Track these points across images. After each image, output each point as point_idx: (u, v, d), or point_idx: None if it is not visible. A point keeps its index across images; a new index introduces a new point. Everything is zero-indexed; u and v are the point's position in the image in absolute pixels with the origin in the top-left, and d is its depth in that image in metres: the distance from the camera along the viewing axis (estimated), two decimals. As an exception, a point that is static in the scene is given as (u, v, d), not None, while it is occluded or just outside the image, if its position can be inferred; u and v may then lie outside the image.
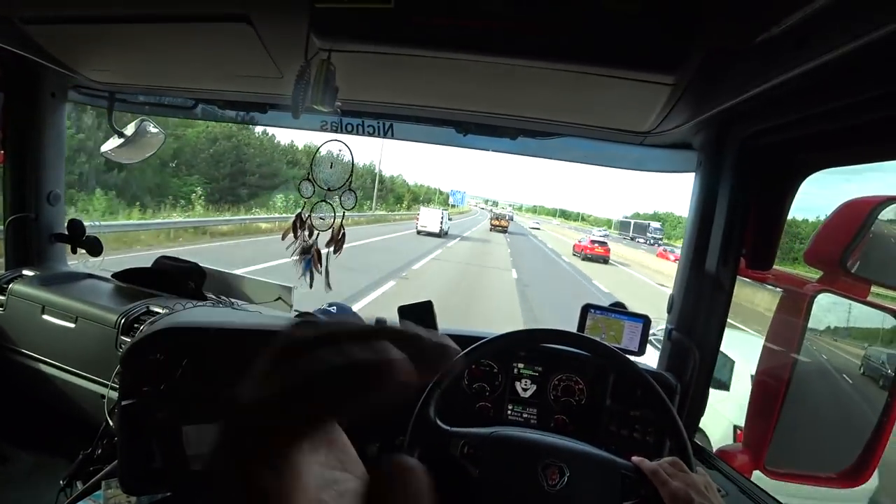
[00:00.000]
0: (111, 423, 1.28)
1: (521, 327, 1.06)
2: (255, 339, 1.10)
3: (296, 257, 1.29)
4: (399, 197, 56.38)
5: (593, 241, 27.94)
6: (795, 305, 1.19)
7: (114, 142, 1.74)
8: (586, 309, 1.29)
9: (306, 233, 1.34)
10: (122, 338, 1.34)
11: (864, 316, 1.24)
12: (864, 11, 0.61)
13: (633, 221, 65.87)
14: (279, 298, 1.60)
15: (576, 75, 0.99)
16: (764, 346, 1.23)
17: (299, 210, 1.34)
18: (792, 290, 1.20)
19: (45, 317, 1.47)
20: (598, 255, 25.97)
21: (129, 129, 1.74)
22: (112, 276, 1.65)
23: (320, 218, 1.32)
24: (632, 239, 56.53)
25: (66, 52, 1.42)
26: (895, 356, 1.29)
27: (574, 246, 29.04)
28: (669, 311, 1.28)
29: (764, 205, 1.14)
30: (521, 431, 0.90)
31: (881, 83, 0.73)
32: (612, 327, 1.28)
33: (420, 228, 25.01)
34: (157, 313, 1.37)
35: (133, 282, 1.60)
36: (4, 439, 1.68)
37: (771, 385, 1.20)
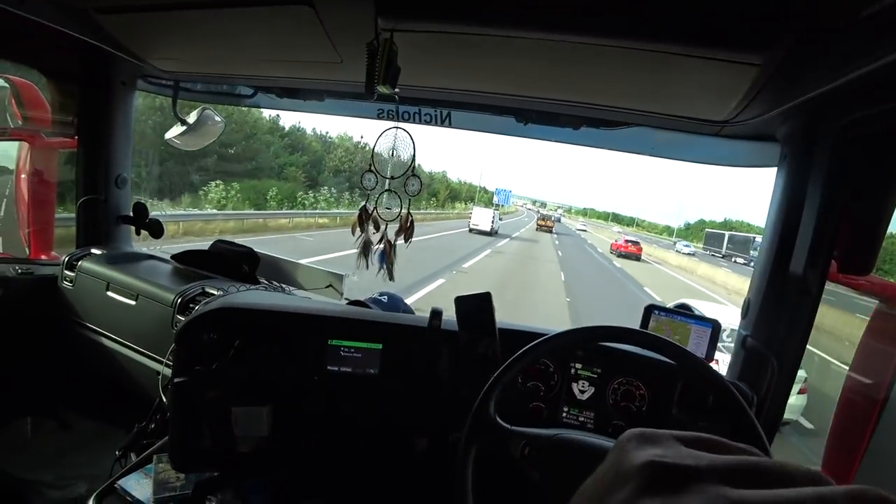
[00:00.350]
0: (164, 399, 1.32)
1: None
2: (306, 323, 1.09)
3: (356, 250, 1.27)
4: (434, 193, 48.41)
5: (627, 241, 31.32)
6: (894, 319, 1.06)
7: (177, 129, 1.80)
8: (650, 310, 1.21)
9: (371, 226, 1.32)
10: (178, 317, 1.38)
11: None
12: None
13: (727, 233, 46.15)
14: (330, 286, 1.61)
15: (650, 55, 0.92)
16: (856, 361, 1.11)
17: (364, 203, 1.31)
18: (891, 299, 1.07)
19: (110, 293, 1.54)
20: (630, 253, 29.32)
21: (192, 117, 1.79)
22: (171, 257, 1.71)
23: (387, 208, 1.30)
24: (723, 257, 39.81)
25: (135, 41, 1.48)
26: None
27: (611, 245, 32.35)
28: (744, 316, 1.17)
29: (863, 201, 1.02)
30: (588, 436, 0.84)
31: None
32: (678, 331, 1.19)
33: (472, 227, 25.62)
34: (212, 294, 1.40)
35: (190, 263, 1.64)
36: (70, 408, 1.77)
37: (861, 407, 1.07)
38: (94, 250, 1.70)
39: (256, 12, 1.12)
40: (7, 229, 1.94)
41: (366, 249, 1.31)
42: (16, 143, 1.88)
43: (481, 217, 26.26)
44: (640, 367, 1.12)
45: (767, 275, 1.11)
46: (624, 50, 0.92)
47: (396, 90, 1.30)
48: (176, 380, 1.02)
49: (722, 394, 0.82)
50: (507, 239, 26.21)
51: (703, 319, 1.20)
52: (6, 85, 1.76)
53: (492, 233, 25.57)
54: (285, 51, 1.34)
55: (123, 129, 1.79)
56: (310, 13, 1.05)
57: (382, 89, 0.97)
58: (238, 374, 1.04)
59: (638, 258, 28.86)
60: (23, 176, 1.90)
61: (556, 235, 39.10)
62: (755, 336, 1.12)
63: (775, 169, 1.17)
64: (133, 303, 1.48)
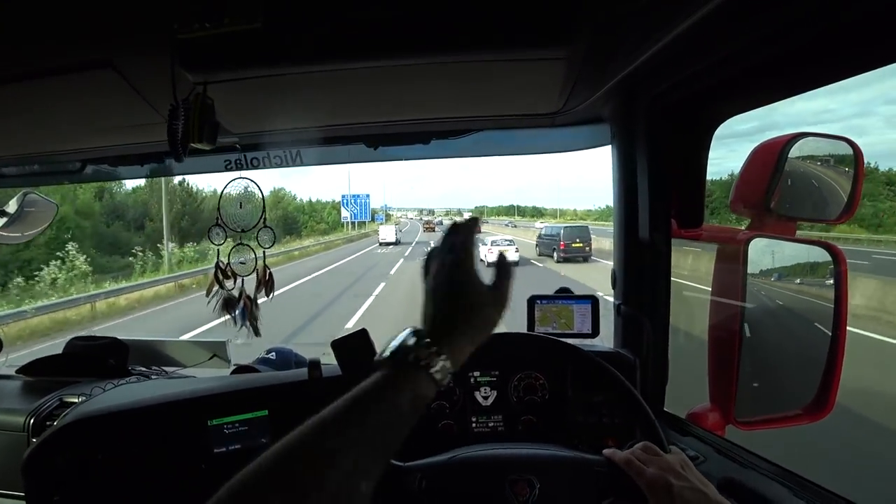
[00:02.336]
0: None
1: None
2: (178, 411, 0.98)
3: (216, 312, 1.18)
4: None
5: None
6: (732, 256, 1.19)
7: (-5, 223, 1.56)
8: (533, 301, 1.25)
9: (230, 282, 1.24)
10: (35, 440, 1.18)
11: (795, 252, 1.26)
12: None
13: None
14: (214, 356, 1.48)
15: (470, 65, 0.96)
16: (711, 302, 1.23)
17: (216, 259, 1.23)
18: (725, 242, 1.21)
19: None
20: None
21: (12, 206, 1.56)
22: (17, 371, 1.47)
23: (241, 262, 1.23)
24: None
25: None
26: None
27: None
28: (614, 286, 1.26)
29: (682, 163, 1.14)
30: (482, 449, 0.83)
31: (767, 24, 0.72)
32: (562, 314, 1.25)
33: (381, 240, 33.97)
34: (73, 403, 1.22)
35: (43, 373, 1.42)
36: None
37: (724, 338, 1.19)
38: (-87, 388, 1.40)
39: (59, 83, 1.00)
40: None
41: (229, 306, 1.23)
42: None
43: (387, 232, 35.03)
44: (534, 359, 1.16)
45: (623, 245, 1.20)
46: (444, 65, 0.95)
47: (235, 139, 1.23)
48: None
49: (597, 369, 0.86)
50: (413, 243, 35.01)
51: (582, 298, 1.27)
52: None
53: (396, 242, 33.74)
54: (104, 118, 1.22)
55: (-75, 238, 1.51)
56: (115, 77, 0.96)
57: (200, 147, 0.90)
58: (109, 490, 0.91)
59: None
60: None
61: (439, 232, 55.37)
62: (627, 303, 1.20)
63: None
64: None
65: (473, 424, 1.14)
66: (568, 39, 0.86)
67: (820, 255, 1.20)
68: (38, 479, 0.89)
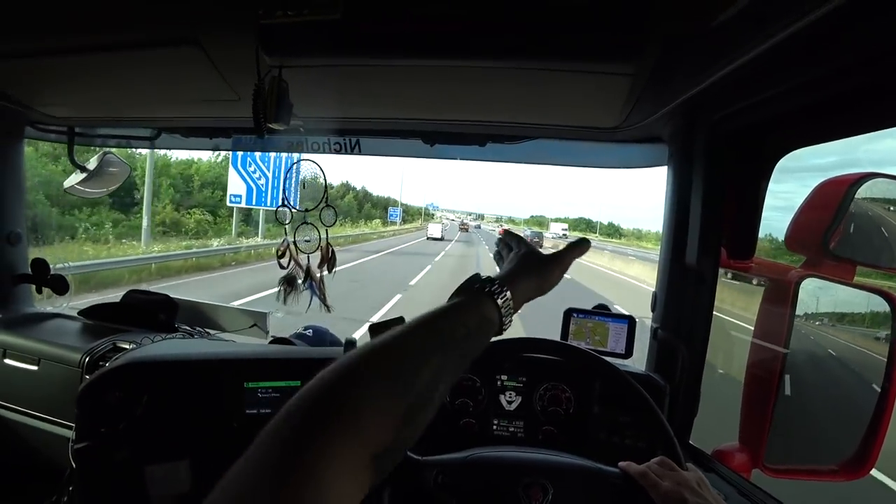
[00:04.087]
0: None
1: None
2: (219, 369, 1.04)
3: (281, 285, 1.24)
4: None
5: (502, 229, 76.95)
6: (781, 294, 1.15)
7: (76, 177, 1.70)
8: (569, 314, 1.25)
9: (300, 258, 1.30)
10: (88, 377, 1.28)
11: (851, 299, 1.20)
12: None
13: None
14: (254, 325, 1.55)
15: (536, 73, 0.97)
16: (754, 338, 1.19)
17: (284, 237, 1.30)
18: (776, 278, 1.17)
19: (7, 361, 1.40)
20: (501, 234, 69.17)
21: (92, 163, 1.69)
22: (78, 313, 1.59)
23: (305, 241, 1.29)
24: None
25: (19, 88, 1.39)
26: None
27: (497, 231, 78.30)
28: (653, 309, 1.24)
29: (739, 192, 1.11)
30: (499, 451, 0.84)
31: (841, 55, 0.70)
32: (597, 331, 1.24)
33: (429, 236, 40.37)
34: (124, 349, 1.31)
35: (100, 318, 1.53)
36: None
37: (763, 378, 1.15)
38: (-14, 315, 1.55)
39: (145, 55, 1.09)
40: None
41: (291, 284, 1.29)
42: None
43: (434, 229, 41.99)
44: (563, 371, 1.15)
45: (668, 268, 1.18)
46: (510, 69, 0.97)
47: (299, 122, 1.30)
48: (76, 445, 0.94)
49: (622, 385, 0.85)
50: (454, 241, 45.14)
51: (619, 317, 1.25)
52: None
53: (441, 238, 39.98)
54: (182, 91, 1.31)
55: (13, 182, 1.65)
56: (199, 53, 1.03)
57: (276, 126, 0.96)
58: (149, 432, 0.98)
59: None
60: None
61: (473, 233, 71.35)
62: (664, 327, 1.18)
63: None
64: (35, 368, 1.36)
65: (494, 427, 1.15)
66: (633, 56, 0.86)
67: (879, 304, 1.14)
68: (89, 412, 0.96)
